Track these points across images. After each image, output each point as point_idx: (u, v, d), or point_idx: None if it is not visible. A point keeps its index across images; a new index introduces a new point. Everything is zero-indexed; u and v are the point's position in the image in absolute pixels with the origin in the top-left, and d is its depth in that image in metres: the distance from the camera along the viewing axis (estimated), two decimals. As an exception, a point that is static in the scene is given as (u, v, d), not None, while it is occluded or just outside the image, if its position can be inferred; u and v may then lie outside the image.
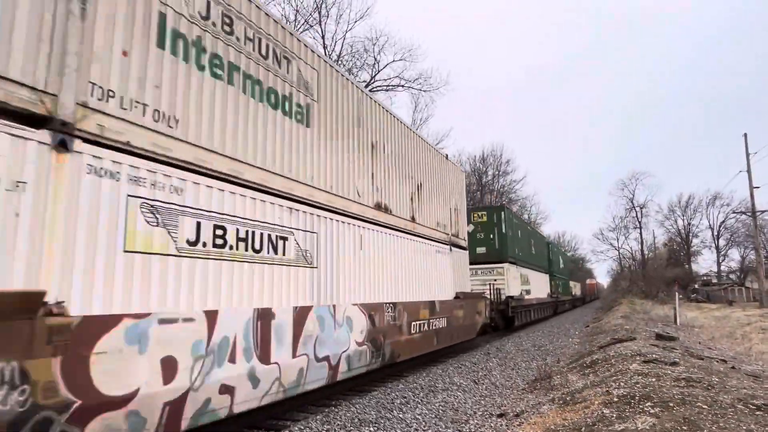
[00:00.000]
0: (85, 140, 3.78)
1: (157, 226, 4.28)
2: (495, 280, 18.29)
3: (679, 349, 9.66)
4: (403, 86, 28.77)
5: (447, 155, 13.15)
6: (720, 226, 64.27)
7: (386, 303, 8.42)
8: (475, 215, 19.57)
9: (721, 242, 64.95)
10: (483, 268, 18.89)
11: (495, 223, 19.34)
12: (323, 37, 25.90)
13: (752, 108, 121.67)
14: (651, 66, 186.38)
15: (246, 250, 5.30)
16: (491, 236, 19.27)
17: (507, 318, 18.51)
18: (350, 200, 7.67)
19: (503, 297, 18.15)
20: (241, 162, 5.39)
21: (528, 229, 25.84)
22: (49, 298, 3.41)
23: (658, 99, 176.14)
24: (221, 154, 5.11)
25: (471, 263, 17.63)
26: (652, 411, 4.66)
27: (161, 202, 4.36)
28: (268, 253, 5.66)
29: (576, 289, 49.94)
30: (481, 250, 19.15)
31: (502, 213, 19.65)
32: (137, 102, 4.24)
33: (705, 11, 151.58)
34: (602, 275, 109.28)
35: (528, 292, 22.02)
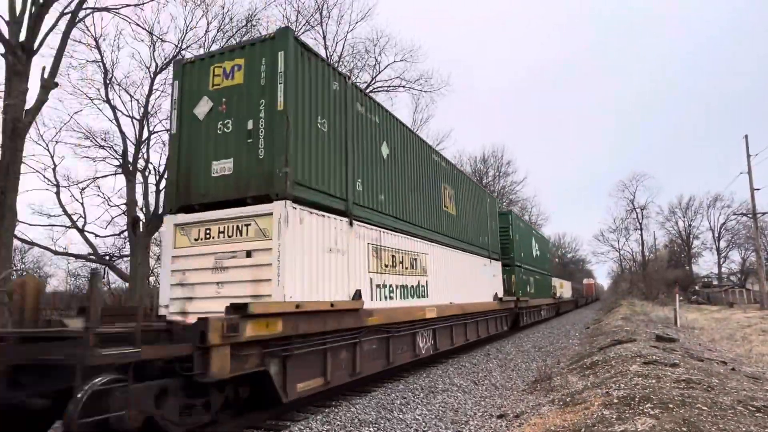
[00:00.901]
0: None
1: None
2: (248, 253, 6.17)
3: (679, 350, 9.66)
4: (403, 87, 28.76)
5: None
6: (721, 228, 64.31)
7: None
8: (217, 69, 6.87)
9: (722, 244, 65.01)
10: (221, 220, 6.48)
11: (264, 87, 6.50)
12: (324, 38, 25.91)
13: (753, 109, 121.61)
14: (651, 66, 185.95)
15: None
16: (249, 125, 6.51)
17: (255, 380, 5.65)
18: None
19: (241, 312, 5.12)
20: None
21: (438, 161, 11.96)
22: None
23: (659, 99, 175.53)
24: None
25: (198, 209, 6.74)
26: (651, 412, 4.67)
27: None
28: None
29: (564, 289, 37.01)
30: (220, 166, 6.63)
31: (281, 54, 6.37)
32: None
33: (705, 11, 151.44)
34: (603, 276, 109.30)
35: (420, 292, 9.87)
